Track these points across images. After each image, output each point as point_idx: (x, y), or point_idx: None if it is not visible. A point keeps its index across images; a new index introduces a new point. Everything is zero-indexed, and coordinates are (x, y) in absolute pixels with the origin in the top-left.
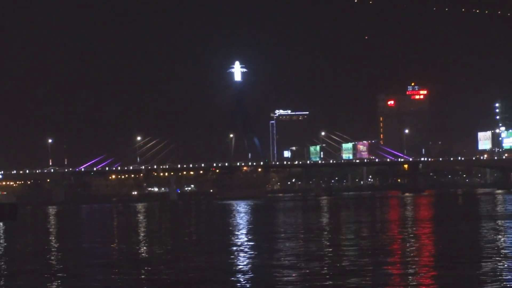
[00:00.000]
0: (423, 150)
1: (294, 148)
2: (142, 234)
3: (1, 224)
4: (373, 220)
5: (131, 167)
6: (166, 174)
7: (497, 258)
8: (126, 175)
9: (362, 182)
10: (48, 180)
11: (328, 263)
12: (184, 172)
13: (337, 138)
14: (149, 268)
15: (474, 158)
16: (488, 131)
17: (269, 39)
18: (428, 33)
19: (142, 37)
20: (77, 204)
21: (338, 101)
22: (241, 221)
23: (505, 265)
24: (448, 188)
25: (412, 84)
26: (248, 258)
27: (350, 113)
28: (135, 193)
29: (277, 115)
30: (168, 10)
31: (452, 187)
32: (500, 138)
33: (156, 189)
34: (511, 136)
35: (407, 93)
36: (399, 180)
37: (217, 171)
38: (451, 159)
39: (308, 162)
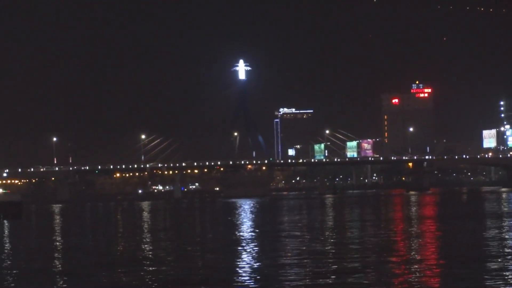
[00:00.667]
0: (428, 148)
1: (298, 146)
2: (146, 232)
3: (6, 222)
4: (377, 219)
5: (135, 166)
6: (171, 172)
7: (502, 257)
8: (131, 174)
9: (366, 180)
10: (53, 179)
11: (331, 261)
12: (189, 171)
13: (341, 136)
14: (153, 267)
15: (478, 156)
16: (493, 129)
17: (273, 37)
18: (432, 32)
19: (146, 36)
20: (81, 202)
21: (343, 99)
22: (245, 219)
23: (511, 264)
24: (453, 187)
25: (417, 82)
26: (252, 256)
27: (355, 111)
28: (141, 191)
29: (281, 113)
30: (172, 8)
31: (457, 185)
32: (505, 136)
33: (160, 188)
34: None
35: (412, 91)
36: (403, 178)
37: (222, 169)
38: (456, 157)
39: (312, 160)
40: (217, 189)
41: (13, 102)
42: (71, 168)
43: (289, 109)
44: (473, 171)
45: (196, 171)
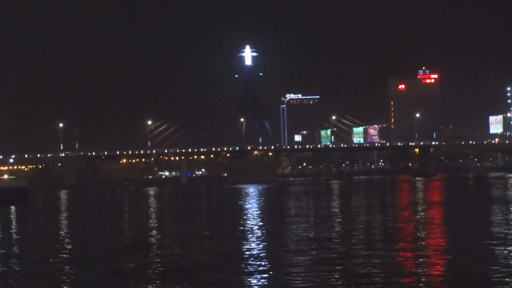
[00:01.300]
0: (434, 134)
1: (305, 132)
2: (152, 218)
3: (13, 208)
4: (383, 204)
5: (141, 151)
6: (177, 158)
7: (509, 242)
8: (137, 159)
9: (373, 166)
10: (59, 164)
11: (337, 247)
12: (195, 156)
13: (348, 122)
14: (159, 253)
15: (485, 142)
16: (499, 115)
17: (280, 23)
18: (439, 18)
19: (152, 22)
20: (88, 188)
21: (349, 85)
22: (251, 205)
23: None
24: (459, 172)
25: (423, 68)
26: (258, 242)
27: (361, 97)
28: (150, 177)
29: (287, 99)
30: None
31: (463, 171)
32: None
33: (167, 173)
34: None
35: (418, 77)
36: (410, 164)
37: (228, 155)
38: (462, 143)
39: (319, 146)
40: (225, 175)
41: (20, 89)
42: (77, 154)
43: (296, 95)
44: (479, 157)
45: (202, 157)
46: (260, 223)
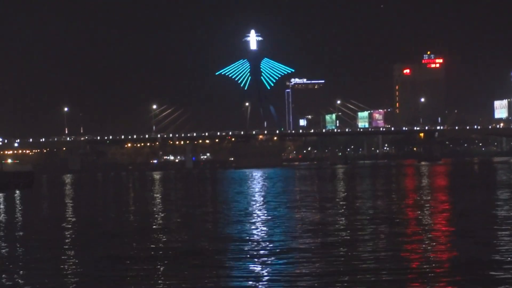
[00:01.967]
0: (439, 118)
1: (309, 116)
2: (156, 203)
3: (18, 192)
4: (388, 189)
5: (146, 136)
6: (182, 142)
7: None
8: (142, 144)
9: (377, 151)
10: (64, 149)
11: (340, 232)
12: (200, 141)
13: (352, 107)
14: (163, 237)
15: (490, 127)
16: (504, 100)
17: (284, 8)
18: (444, 2)
19: (157, 5)
20: (93, 172)
21: (354, 70)
22: (256, 190)
23: None
24: (464, 157)
25: (428, 52)
26: (262, 227)
27: (366, 81)
28: (155, 161)
29: (292, 83)
30: None
31: (468, 155)
32: None
33: (171, 158)
34: None
35: (423, 61)
36: (415, 148)
37: (233, 139)
38: (467, 127)
39: (323, 130)
40: (232, 159)
41: (25, 74)
42: (82, 138)
43: (301, 80)
44: (484, 142)
45: (207, 141)
46: (265, 208)
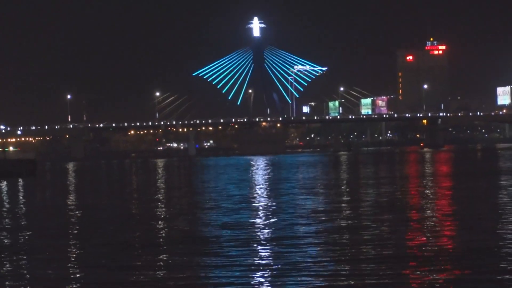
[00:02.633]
0: (442, 105)
1: (313, 103)
2: (159, 191)
3: (21, 180)
4: (391, 176)
5: (150, 123)
6: (185, 129)
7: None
8: (145, 131)
9: (381, 138)
10: (67, 136)
11: (342, 218)
12: (203, 128)
13: (356, 94)
14: (165, 225)
15: (493, 113)
16: (507, 86)
17: None
18: None
19: None
20: (96, 160)
21: (357, 56)
22: (259, 177)
23: None
24: (467, 144)
25: (431, 39)
26: (263, 214)
27: (369, 68)
28: (161, 148)
29: (296, 70)
30: None
31: (471, 142)
32: None
33: (175, 145)
34: None
35: (426, 48)
36: (418, 135)
37: (236, 126)
38: (470, 114)
39: (327, 117)
40: (236, 146)
41: (28, 60)
42: (85, 126)
43: (304, 66)
44: (487, 128)
45: (210, 128)
46: (266, 195)
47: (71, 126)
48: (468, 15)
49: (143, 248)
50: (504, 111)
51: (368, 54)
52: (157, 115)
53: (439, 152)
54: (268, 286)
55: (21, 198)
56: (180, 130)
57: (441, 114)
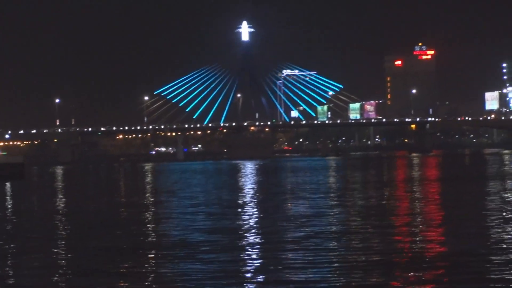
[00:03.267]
0: (430, 110)
1: (301, 108)
2: (148, 194)
3: (8, 184)
4: (379, 180)
5: (138, 127)
6: (173, 134)
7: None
8: (133, 135)
9: (369, 142)
10: (55, 140)
11: (329, 223)
12: (191, 132)
13: (344, 98)
14: (153, 228)
15: (481, 118)
16: (495, 91)
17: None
18: None
19: None
20: (84, 164)
21: (346, 61)
22: (247, 181)
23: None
24: (455, 148)
25: (420, 44)
26: (252, 218)
27: (358, 73)
28: (153, 152)
29: (284, 74)
30: None
31: (459, 147)
32: (508, 98)
33: (163, 149)
34: None
35: (414, 53)
36: (406, 140)
37: (224, 131)
38: (458, 119)
39: (315, 122)
40: (225, 150)
41: (16, 64)
42: (73, 130)
43: (292, 71)
44: (475, 133)
45: (199, 132)
46: (256, 199)
47: (59, 130)
48: (457, 20)
49: (129, 253)
50: (492, 116)
51: (357, 59)
52: (145, 119)
53: (427, 157)
54: None
55: (7, 201)
56: (169, 134)
57: (429, 119)
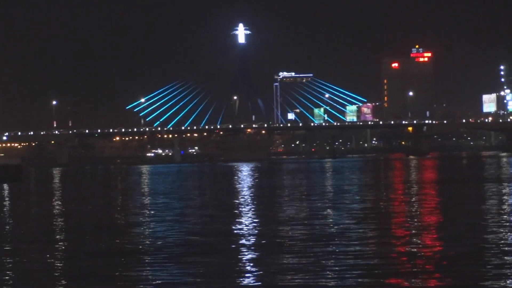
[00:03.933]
0: (428, 112)
1: (298, 110)
2: (145, 196)
3: (6, 186)
4: (376, 183)
5: (135, 129)
6: (170, 136)
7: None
8: (130, 137)
9: (366, 145)
10: (52, 142)
11: (323, 226)
12: (188, 134)
13: (341, 101)
14: (150, 231)
15: (478, 121)
16: (492, 94)
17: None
18: None
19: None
20: (81, 166)
21: (343, 63)
22: (243, 184)
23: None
24: (453, 151)
25: (416, 46)
26: (248, 221)
27: (354, 75)
28: (152, 154)
29: (281, 77)
30: None
31: (457, 150)
32: (505, 101)
33: (160, 151)
34: None
35: (411, 55)
36: (403, 142)
37: (221, 133)
38: (456, 121)
39: (312, 124)
40: (223, 152)
41: (13, 65)
42: (70, 132)
43: (289, 73)
44: (473, 136)
45: (195, 134)
46: (252, 202)
47: (56, 132)
48: (454, 22)
49: (124, 256)
50: (490, 118)
51: (354, 62)
52: (142, 121)
53: (424, 160)
54: None
55: (5, 203)
56: (165, 136)
57: (426, 121)
